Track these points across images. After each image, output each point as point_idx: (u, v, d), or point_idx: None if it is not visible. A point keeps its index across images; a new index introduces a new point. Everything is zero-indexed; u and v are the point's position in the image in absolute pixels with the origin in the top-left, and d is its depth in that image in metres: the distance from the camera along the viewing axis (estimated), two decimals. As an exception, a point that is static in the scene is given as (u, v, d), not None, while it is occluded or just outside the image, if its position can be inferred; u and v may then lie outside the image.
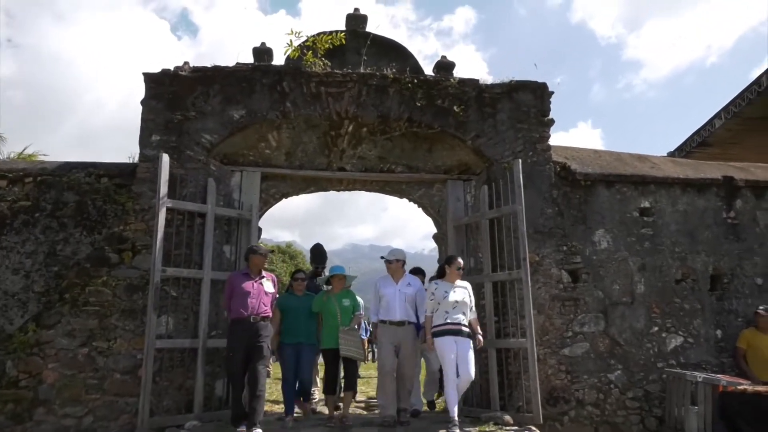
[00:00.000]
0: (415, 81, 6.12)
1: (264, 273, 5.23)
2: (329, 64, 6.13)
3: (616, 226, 6.21)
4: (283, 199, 6.41)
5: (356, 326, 5.52)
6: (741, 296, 6.27)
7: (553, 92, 6.35)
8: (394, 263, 5.58)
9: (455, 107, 6.09)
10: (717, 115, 13.76)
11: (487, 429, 4.98)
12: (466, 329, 5.08)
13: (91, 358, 5.28)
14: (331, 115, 5.99)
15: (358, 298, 5.83)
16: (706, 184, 6.43)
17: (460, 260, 5.40)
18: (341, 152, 6.30)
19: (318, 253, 7.20)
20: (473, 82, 6.29)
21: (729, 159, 13.23)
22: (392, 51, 6.65)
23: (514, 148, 6.16)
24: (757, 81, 12.27)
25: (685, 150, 15.05)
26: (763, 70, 11.65)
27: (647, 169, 6.46)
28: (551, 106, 6.32)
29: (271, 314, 5.15)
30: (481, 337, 5.25)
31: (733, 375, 5.81)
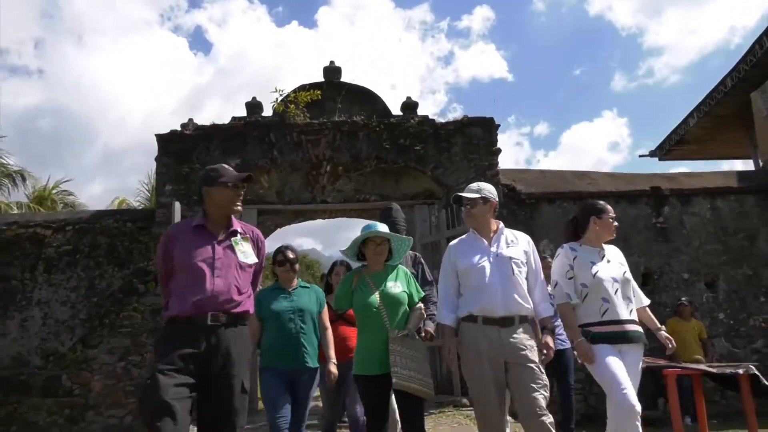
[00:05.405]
0: (381, 125, 7.31)
1: (236, 224, 2.80)
2: (308, 115, 7.33)
3: (558, 236, 7.29)
4: (278, 229, 7.65)
5: (417, 329, 3.30)
6: (669, 290, 7.32)
7: (499, 125, 7.48)
8: (478, 206, 3.16)
9: (415, 146, 7.26)
10: (691, 114, 14.67)
11: (447, 411, 6.13)
12: (637, 329, 3.17)
13: (128, 369, 6.57)
14: (311, 159, 7.21)
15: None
16: (636, 195, 7.50)
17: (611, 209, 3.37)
18: (322, 188, 7.50)
19: (388, 217, 4.15)
20: (430, 122, 7.45)
21: (706, 155, 14.18)
22: (364, 96, 7.84)
23: (467, 175, 7.28)
24: (723, 82, 13.19)
25: (664, 148, 15.93)
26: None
27: (585, 185, 7.56)
28: (498, 137, 7.44)
29: (251, 309, 2.77)
30: (665, 334, 3.37)
31: (662, 358, 6.87)
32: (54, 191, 15.69)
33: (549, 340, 3.05)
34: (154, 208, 7.01)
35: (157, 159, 7.07)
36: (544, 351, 3.02)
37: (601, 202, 3.40)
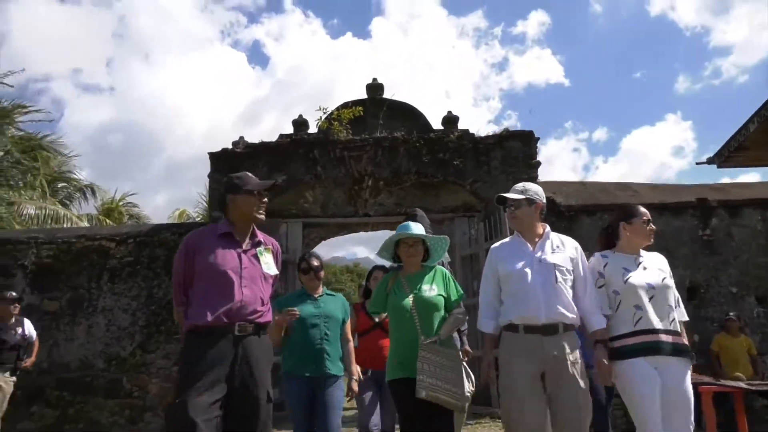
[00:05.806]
0: (421, 140, 7.51)
1: (259, 235, 2.83)
2: (351, 131, 7.62)
3: (597, 248, 7.25)
4: (322, 242, 7.96)
5: (457, 335, 3.32)
6: (716, 304, 7.14)
7: (539, 138, 7.54)
8: (523, 207, 3.01)
9: (454, 160, 7.41)
10: (751, 119, 14.08)
11: (483, 422, 6.23)
12: (679, 341, 2.79)
13: (182, 374, 7.00)
14: (354, 174, 7.49)
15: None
16: (681, 207, 7.36)
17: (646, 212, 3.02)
18: (365, 202, 7.76)
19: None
20: (469, 136, 7.59)
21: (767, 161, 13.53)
22: (406, 112, 8.07)
23: (506, 188, 7.30)
24: (783, 85, 12.62)
25: (723, 155, 15.33)
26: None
27: (627, 197, 7.48)
28: (538, 150, 7.51)
29: (270, 320, 2.79)
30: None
31: (707, 375, 6.71)
32: (120, 203, 16.73)
33: (603, 356, 2.77)
34: (208, 221, 7.45)
35: (209, 175, 7.53)
36: (596, 371, 2.80)
37: (635, 205, 3.10)
